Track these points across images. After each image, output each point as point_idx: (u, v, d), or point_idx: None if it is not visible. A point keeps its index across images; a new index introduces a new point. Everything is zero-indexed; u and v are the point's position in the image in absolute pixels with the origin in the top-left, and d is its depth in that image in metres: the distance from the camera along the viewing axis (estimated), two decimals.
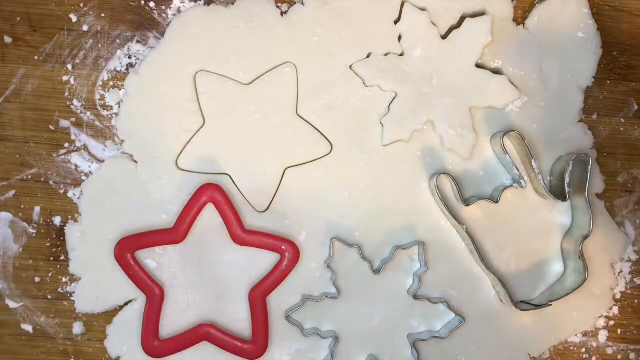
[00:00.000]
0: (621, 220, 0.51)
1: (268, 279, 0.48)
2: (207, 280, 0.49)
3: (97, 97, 0.49)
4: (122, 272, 0.48)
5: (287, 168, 0.49)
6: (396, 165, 0.49)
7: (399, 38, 0.49)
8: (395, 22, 0.49)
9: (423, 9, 0.49)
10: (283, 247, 0.48)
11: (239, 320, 0.49)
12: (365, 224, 0.49)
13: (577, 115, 0.50)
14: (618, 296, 0.51)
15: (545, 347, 0.50)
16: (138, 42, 0.49)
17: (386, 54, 0.49)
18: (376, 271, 0.49)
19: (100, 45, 0.49)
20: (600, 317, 0.51)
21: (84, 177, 0.49)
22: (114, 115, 0.49)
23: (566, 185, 0.48)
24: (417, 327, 0.49)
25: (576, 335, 0.51)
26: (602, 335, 0.51)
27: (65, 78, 0.49)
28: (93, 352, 0.50)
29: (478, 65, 0.49)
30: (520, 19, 0.50)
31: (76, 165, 0.49)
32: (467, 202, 0.48)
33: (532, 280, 0.50)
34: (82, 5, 0.49)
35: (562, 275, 0.50)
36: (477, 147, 0.49)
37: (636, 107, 0.51)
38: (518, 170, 0.48)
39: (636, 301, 0.51)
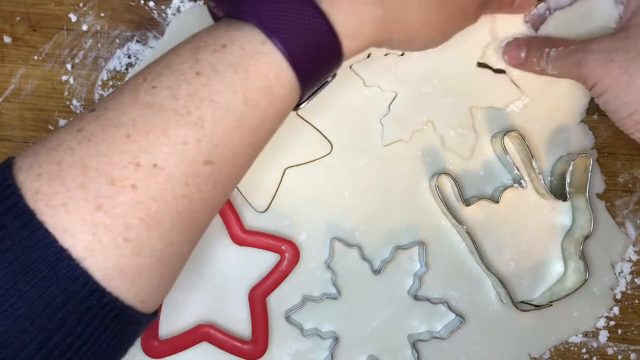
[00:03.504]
0: (622, 221, 0.51)
1: (268, 279, 0.48)
2: (207, 280, 0.49)
3: (97, 97, 0.49)
4: None
5: (287, 168, 0.49)
6: (396, 165, 0.49)
7: None
8: None
9: None
10: (283, 247, 0.48)
11: (239, 321, 0.49)
12: (366, 224, 0.49)
13: (579, 116, 0.50)
14: (619, 296, 0.51)
15: (546, 348, 0.50)
16: (137, 41, 0.49)
17: (386, 54, 0.48)
18: (376, 271, 0.48)
19: (99, 45, 0.49)
20: (600, 317, 0.50)
21: None
22: None
23: (567, 185, 0.47)
24: (417, 327, 0.49)
25: (577, 335, 0.51)
26: (603, 336, 0.50)
27: (64, 78, 0.49)
28: None
29: (479, 65, 0.49)
30: None
31: None
32: (467, 202, 0.48)
33: (533, 281, 0.50)
34: (81, 4, 0.49)
35: (562, 275, 0.50)
36: (478, 147, 0.49)
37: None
38: (518, 170, 0.48)
39: (637, 301, 0.51)
